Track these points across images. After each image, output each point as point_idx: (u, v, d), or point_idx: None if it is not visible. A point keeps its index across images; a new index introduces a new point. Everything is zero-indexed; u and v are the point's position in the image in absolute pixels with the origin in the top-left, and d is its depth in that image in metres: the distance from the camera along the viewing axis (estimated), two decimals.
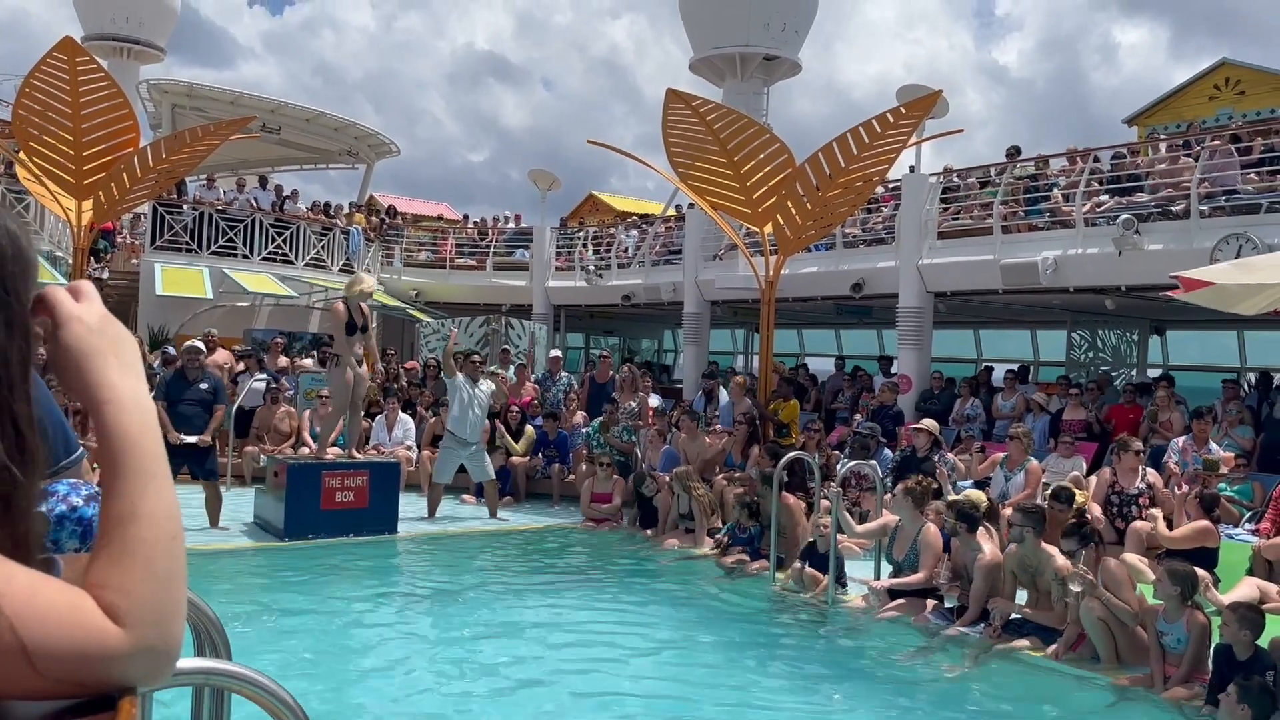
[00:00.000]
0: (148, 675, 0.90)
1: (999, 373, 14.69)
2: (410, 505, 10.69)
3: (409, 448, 12.49)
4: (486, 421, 11.77)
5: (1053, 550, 6.69)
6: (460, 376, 10.98)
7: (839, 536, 8.01)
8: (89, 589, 0.89)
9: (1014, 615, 6.80)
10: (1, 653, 0.79)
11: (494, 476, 11.29)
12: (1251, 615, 5.32)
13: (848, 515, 8.38)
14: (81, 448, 2.61)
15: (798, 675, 6.22)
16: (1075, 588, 6.19)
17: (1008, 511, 7.95)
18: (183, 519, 0.98)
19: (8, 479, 0.93)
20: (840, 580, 7.97)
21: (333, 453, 10.35)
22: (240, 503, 10.78)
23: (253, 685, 1.57)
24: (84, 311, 1.00)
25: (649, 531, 10.39)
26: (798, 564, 8.27)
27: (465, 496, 12.01)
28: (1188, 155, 12.03)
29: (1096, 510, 8.73)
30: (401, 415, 12.82)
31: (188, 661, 1.63)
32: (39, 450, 0.97)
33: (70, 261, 14.15)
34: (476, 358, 11.57)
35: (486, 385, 11.21)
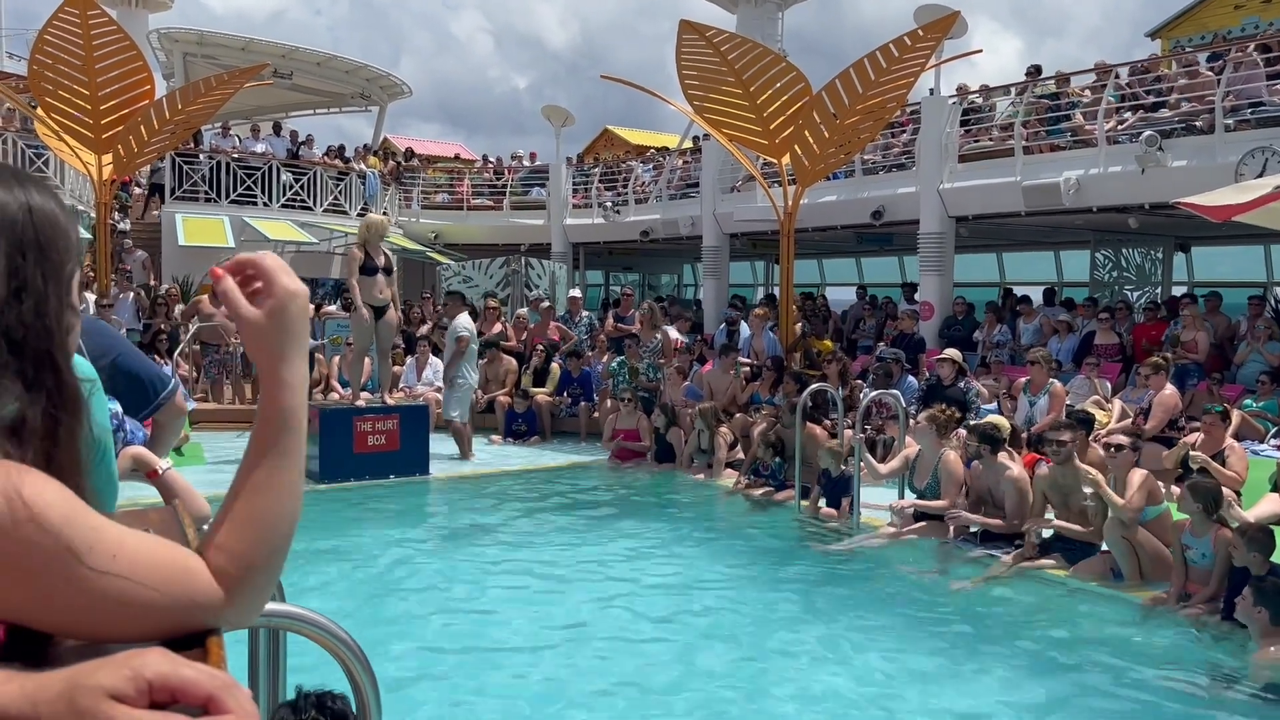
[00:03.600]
0: (235, 625, 1.00)
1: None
2: (442, 446, 10.87)
3: (438, 389, 12.64)
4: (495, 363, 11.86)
5: (1086, 467, 6.76)
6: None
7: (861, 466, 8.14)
8: (206, 546, 0.98)
9: (1045, 533, 6.87)
10: (112, 606, 0.89)
11: (466, 419, 11.17)
12: (1259, 536, 5.37)
13: (871, 458, 8.49)
14: (174, 379, 2.75)
15: (825, 600, 6.36)
16: (1088, 489, 6.43)
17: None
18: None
19: (52, 420, 0.97)
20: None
21: (365, 397, 10.51)
22: None
23: (314, 626, 1.66)
24: (297, 289, 1.03)
25: (667, 465, 10.59)
26: (819, 502, 8.44)
27: (494, 437, 12.21)
28: (1210, 68, 11.79)
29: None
30: (432, 358, 12.97)
31: None
32: (78, 392, 0.99)
33: (93, 215, 14.26)
34: (493, 302, 11.59)
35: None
